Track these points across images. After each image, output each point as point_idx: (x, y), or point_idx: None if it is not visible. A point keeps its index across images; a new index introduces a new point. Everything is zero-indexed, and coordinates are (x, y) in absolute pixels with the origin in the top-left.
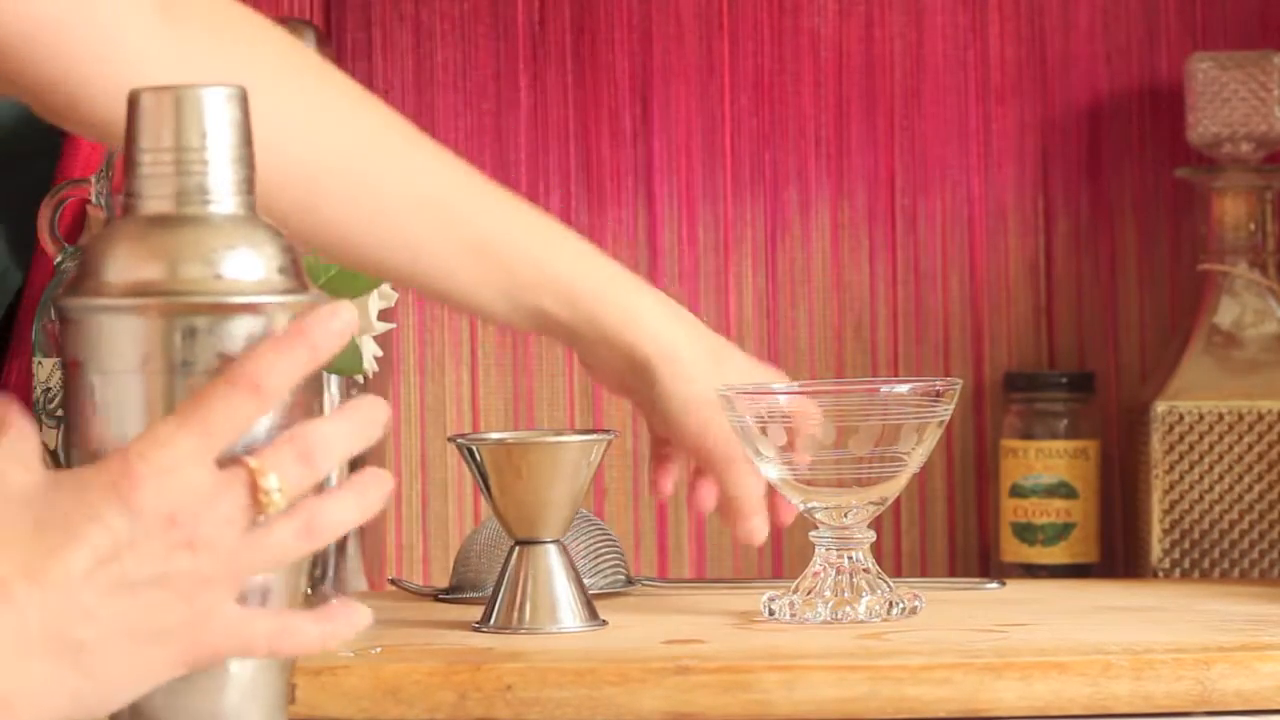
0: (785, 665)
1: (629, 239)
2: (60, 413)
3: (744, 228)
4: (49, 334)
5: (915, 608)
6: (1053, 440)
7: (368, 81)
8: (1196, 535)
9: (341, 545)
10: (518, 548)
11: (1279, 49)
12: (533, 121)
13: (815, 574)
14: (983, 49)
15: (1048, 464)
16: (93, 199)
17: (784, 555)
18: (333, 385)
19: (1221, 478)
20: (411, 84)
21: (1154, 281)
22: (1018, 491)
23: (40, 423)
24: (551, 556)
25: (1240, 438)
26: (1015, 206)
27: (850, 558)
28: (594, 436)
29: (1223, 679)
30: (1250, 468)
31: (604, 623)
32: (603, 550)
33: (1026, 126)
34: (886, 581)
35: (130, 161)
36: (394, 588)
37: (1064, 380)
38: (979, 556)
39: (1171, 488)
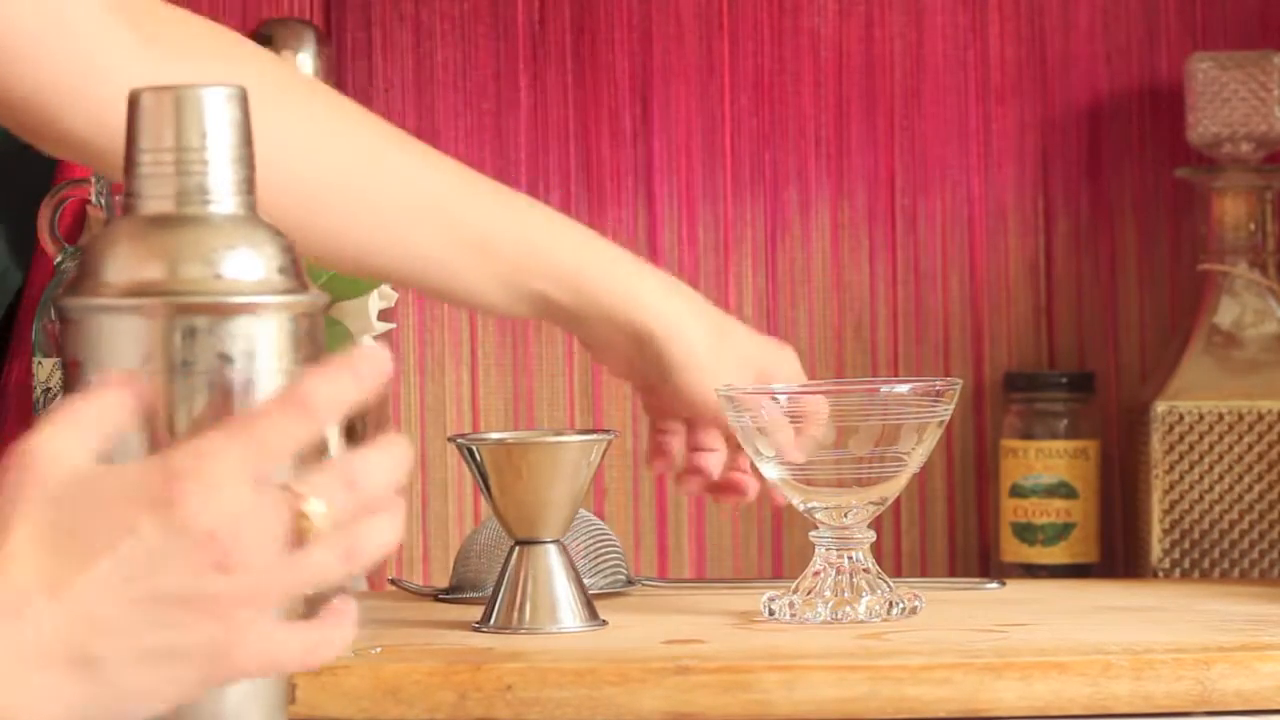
0: (785, 665)
1: (629, 239)
2: None
3: (744, 228)
4: (49, 334)
5: (915, 608)
6: (1053, 440)
7: (368, 81)
8: (1196, 535)
9: None
10: (518, 548)
11: (1279, 49)
12: (533, 121)
13: (815, 574)
14: (983, 49)
15: (1048, 464)
16: (93, 199)
17: (784, 555)
18: None
19: (1221, 478)
20: (411, 84)
21: (1154, 281)
22: (1018, 491)
23: None
24: (551, 556)
25: (1240, 438)
26: (1015, 206)
27: (850, 558)
28: (594, 436)
29: (1223, 679)
30: (1250, 468)
31: (604, 623)
32: (603, 550)
33: (1026, 126)
34: (886, 581)
35: (130, 161)
36: (394, 588)
37: (1064, 380)
38: (979, 556)
39: (1171, 488)
